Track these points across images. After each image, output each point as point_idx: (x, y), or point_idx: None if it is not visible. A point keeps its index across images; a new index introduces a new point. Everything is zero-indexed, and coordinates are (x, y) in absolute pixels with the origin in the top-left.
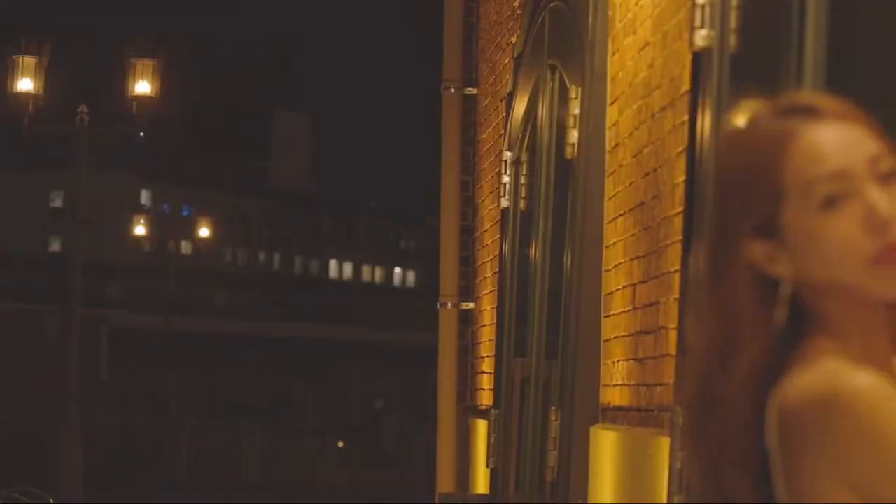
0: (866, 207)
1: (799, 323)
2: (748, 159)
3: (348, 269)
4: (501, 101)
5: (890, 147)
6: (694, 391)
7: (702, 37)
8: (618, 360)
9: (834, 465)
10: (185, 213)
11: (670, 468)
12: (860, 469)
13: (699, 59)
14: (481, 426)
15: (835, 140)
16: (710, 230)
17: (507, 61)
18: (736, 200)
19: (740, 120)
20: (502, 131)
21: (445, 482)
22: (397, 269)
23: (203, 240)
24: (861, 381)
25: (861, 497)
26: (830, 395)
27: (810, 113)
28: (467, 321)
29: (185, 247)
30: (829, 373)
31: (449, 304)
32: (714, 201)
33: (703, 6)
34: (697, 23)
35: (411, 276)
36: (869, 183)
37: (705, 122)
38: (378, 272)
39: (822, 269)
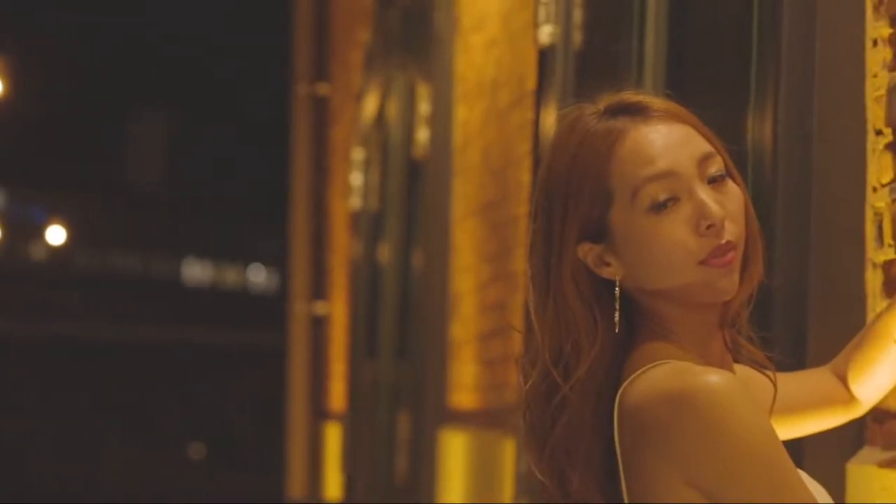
0: (696, 208)
1: (634, 324)
2: (575, 161)
3: (205, 270)
4: (352, 99)
5: (719, 148)
6: (537, 393)
7: (546, 34)
8: (466, 363)
9: (680, 464)
10: (37, 215)
11: (516, 470)
12: (707, 469)
13: (544, 57)
14: (334, 430)
15: (663, 141)
16: (539, 233)
17: (358, 59)
18: (564, 203)
19: (567, 123)
20: (353, 130)
21: (297, 487)
22: (255, 271)
23: (55, 243)
24: (713, 379)
25: (706, 497)
26: (680, 394)
27: (638, 113)
28: (320, 324)
29: (39, 250)
30: (678, 371)
31: (300, 307)
32: (542, 204)
33: (546, 3)
34: (542, 19)
35: (269, 278)
36: (698, 184)
37: (550, 121)
38: (235, 274)
39: (653, 271)
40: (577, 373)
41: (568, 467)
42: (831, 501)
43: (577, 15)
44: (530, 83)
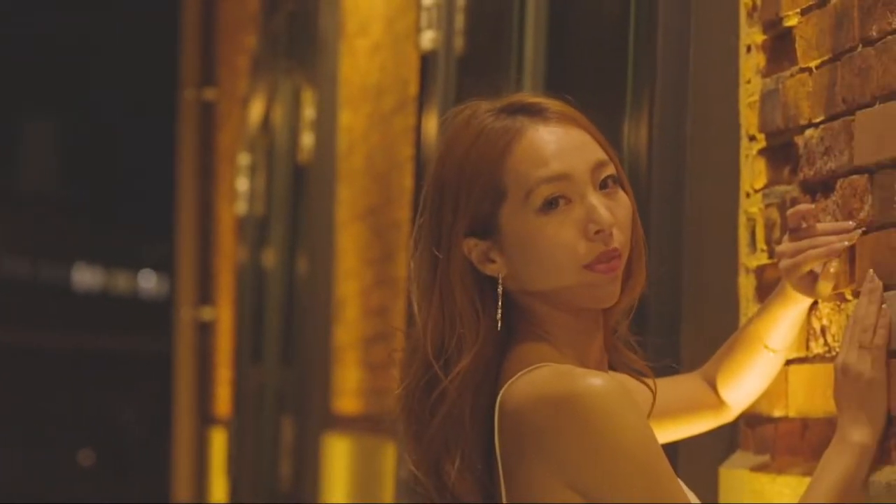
0: (586, 212)
1: (513, 325)
2: (470, 156)
3: (95, 276)
4: (239, 104)
5: (612, 156)
6: (417, 386)
7: (428, 39)
8: (350, 367)
9: (560, 467)
10: None
11: (397, 475)
12: (586, 472)
13: (426, 62)
14: (220, 435)
15: (559, 143)
16: (427, 226)
17: (244, 64)
18: (455, 197)
19: (462, 118)
20: (240, 135)
21: (183, 492)
22: (146, 277)
23: None
24: (594, 382)
25: (585, 500)
26: (561, 397)
27: (536, 114)
28: (206, 329)
29: None
30: (560, 374)
31: (187, 312)
32: (432, 197)
33: (429, 8)
34: (424, 24)
35: (159, 284)
36: (590, 189)
37: (432, 126)
38: (126, 279)
39: (537, 271)
40: (459, 367)
41: (445, 460)
42: None
43: (459, 20)
44: (413, 88)
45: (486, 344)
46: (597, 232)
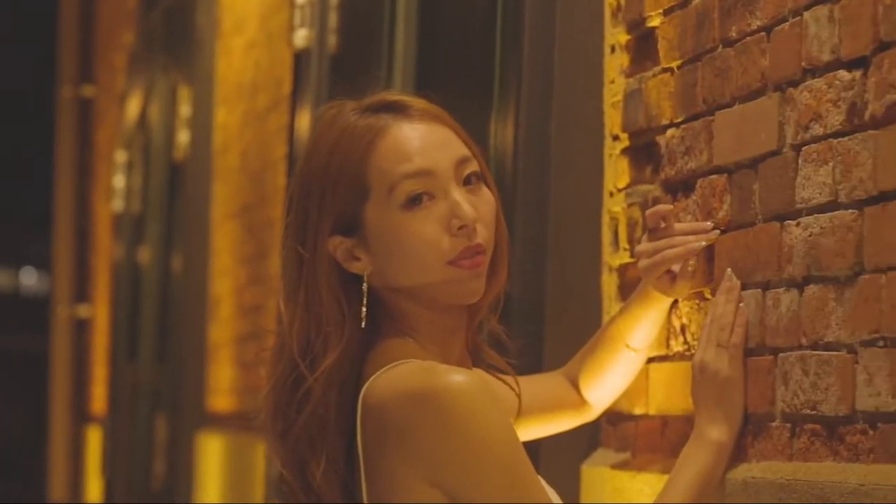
0: (449, 208)
1: (378, 322)
2: (334, 154)
3: None
4: (117, 101)
5: (476, 152)
6: (284, 384)
7: (301, 37)
8: (224, 366)
9: (421, 463)
10: None
11: (267, 473)
12: (448, 468)
13: (299, 60)
14: (95, 433)
15: (422, 140)
16: (294, 225)
17: (122, 61)
18: (320, 195)
19: (327, 117)
20: (117, 133)
21: (58, 490)
22: (27, 274)
23: None
24: (457, 379)
25: (447, 497)
26: (423, 393)
27: (399, 111)
28: (83, 327)
29: None
30: (423, 370)
31: (63, 310)
32: (298, 196)
33: (302, 6)
34: (297, 23)
35: (39, 282)
36: (453, 185)
37: (305, 124)
38: (6, 276)
39: (401, 267)
40: (323, 365)
41: (311, 459)
42: None
43: (332, 18)
44: (287, 86)
45: (351, 341)
46: (460, 227)
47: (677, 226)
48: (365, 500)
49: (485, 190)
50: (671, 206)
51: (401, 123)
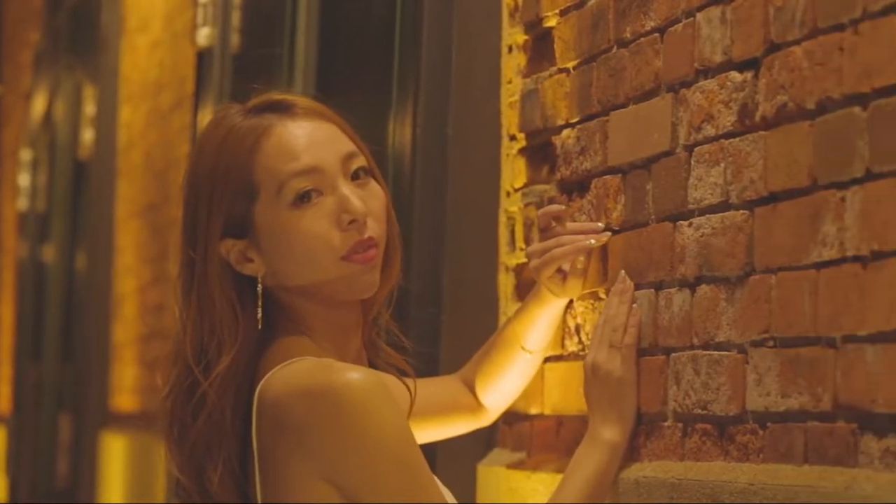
0: (338, 203)
1: (273, 322)
2: (220, 157)
3: None
4: (23, 99)
5: (362, 148)
6: (180, 390)
7: (204, 36)
8: (127, 365)
9: (317, 461)
10: None
11: (167, 473)
12: (343, 466)
13: (202, 59)
14: (0, 433)
15: (308, 137)
16: (185, 230)
17: (28, 59)
18: (208, 199)
19: (213, 120)
20: (23, 131)
21: None
22: None
23: None
24: (354, 376)
25: (342, 494)
26: (319, 390)
27: (283, 110)
28: None
29: None
30: (318, 367)
31: None
32: (186, 201)
33: (205, 4)
34: (200, 21)
35: None
36: (342, 180)
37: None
38: None
39: (294, 266)
40: (217, 369)
41: (208, 465)
42: None
43: (235, 18)
44: (190, 85)
45: (246, 344)
46: (351, 222)
47: (569, 225)
48: (259, 499)
49: (373, 184)
50: (563, 207)
51: (286, 122)
